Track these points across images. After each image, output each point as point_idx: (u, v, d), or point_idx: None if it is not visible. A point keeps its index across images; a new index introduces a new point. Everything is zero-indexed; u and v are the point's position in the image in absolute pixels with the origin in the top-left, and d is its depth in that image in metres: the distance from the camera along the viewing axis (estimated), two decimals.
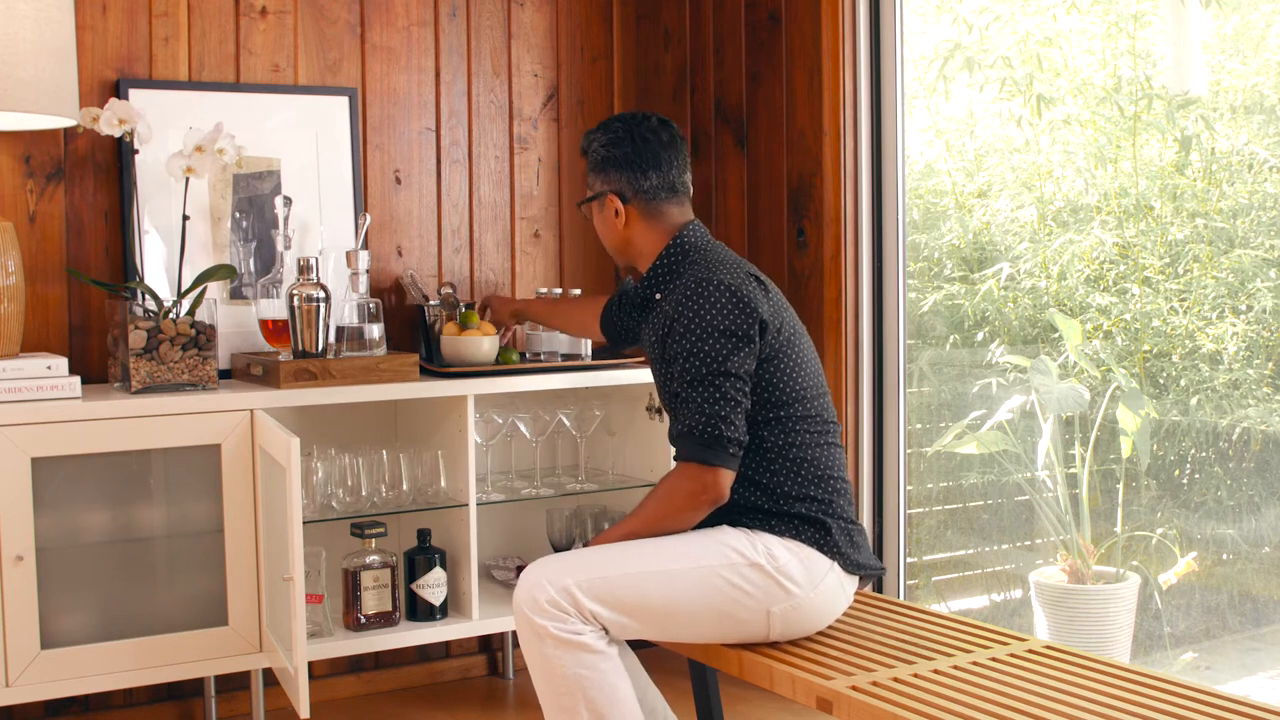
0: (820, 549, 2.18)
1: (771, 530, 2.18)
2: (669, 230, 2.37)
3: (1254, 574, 2.87)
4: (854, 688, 1.96)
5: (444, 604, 2.92)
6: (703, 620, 2.13)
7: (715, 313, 2.16)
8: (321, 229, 3.07)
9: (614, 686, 2.05)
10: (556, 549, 3.16)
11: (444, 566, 2.92)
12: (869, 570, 2.26)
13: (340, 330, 2.88)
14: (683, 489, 2.15)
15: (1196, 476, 2.94)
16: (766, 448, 2.21)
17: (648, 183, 2.35)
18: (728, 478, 2.14)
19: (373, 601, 2.84)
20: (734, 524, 2.20)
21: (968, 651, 2.13)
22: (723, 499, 2.15)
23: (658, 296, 2.33)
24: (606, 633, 2.06)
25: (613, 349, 2.80)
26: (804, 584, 2.15)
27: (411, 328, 3.20)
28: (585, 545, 2.26)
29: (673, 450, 2.26)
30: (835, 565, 2.19)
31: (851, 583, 2.25)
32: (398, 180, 3.22)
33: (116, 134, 2.67)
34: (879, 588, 3.02)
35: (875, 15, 2.99)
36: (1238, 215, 2.84)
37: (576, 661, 2.02)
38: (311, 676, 3.08)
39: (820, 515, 2.19)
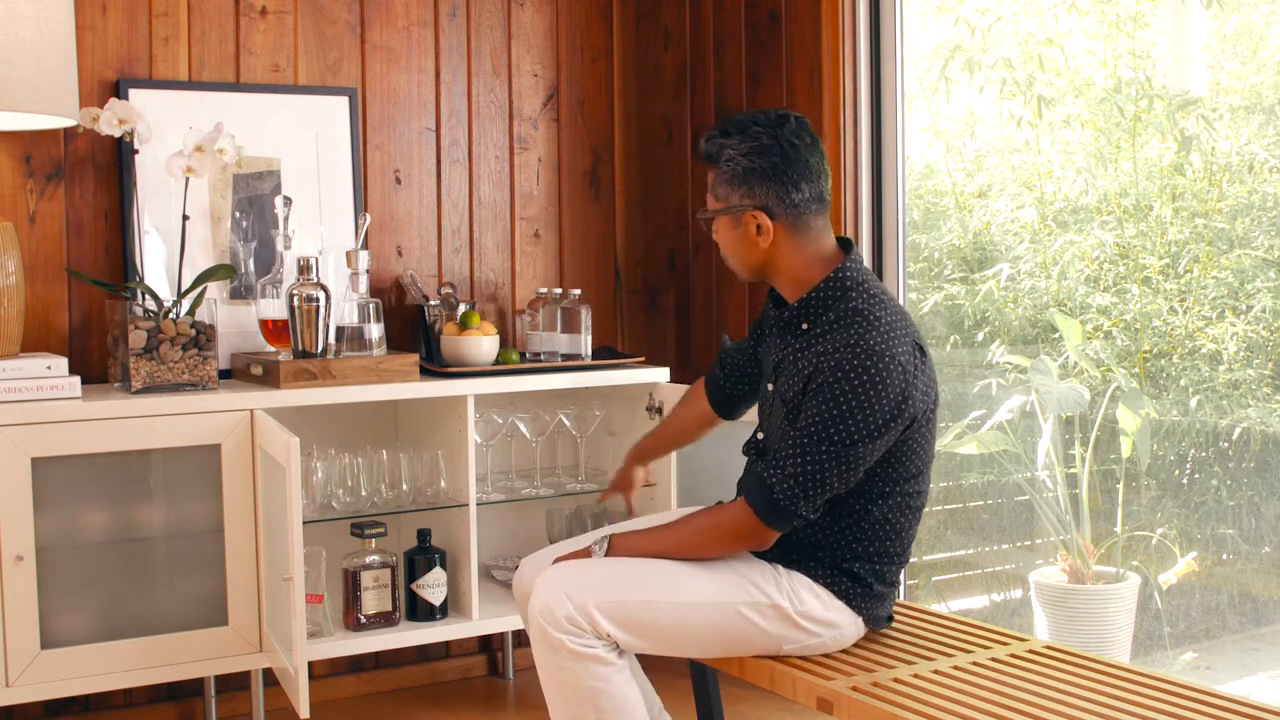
0: (850, 605, 2.14)
1: (808, 572, 2.13)
2: (815, 253, 2.11)
3: (1254, 574, 2.87)
4: (854, 688, 1.96)
5: (444, 604, 2.93)
6: (714, 648, 2.13)
7: (875, 395, 1.97)
8: (321, 229, 3.07)
9: (624, 698, 2.04)
10: None
11: (444, 566, 2.92)
12: (886, 624, 2.25)
13: (340, 330, 2.88)
14: (730, 530, 2.09)
15: (1196, 476, 2.94)
16: (872, 520, 2.11)
17: (799, 196, 2.08)
18: (776, 536, 2.08)
19: (373, 601, 2.84)
20: (769, 558, 2.15)
21: (968, 651, 2.13)
22: (764, 548, 2.11)
23: (805, 326, 2.10)
24: (617, 646, 2.07)
25: (730, 419, 2.49)
26: (824, 629, 2.12)
27: (411, 328, 3.20)
28: (609, 543, 2.21)
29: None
30: (860, 620, 2.16)
31: (866, 628, 2.22)
32: (398, 180, 3.22)
33: (116, 134, 2.67)
34: None
35: (875, 15, 2.99)
36: (1238, 215, 2.84)
37: (590, 674, 2.02)
38: (311, 676, 3.08)
39: (869, 578, 2.15)
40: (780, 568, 2.13)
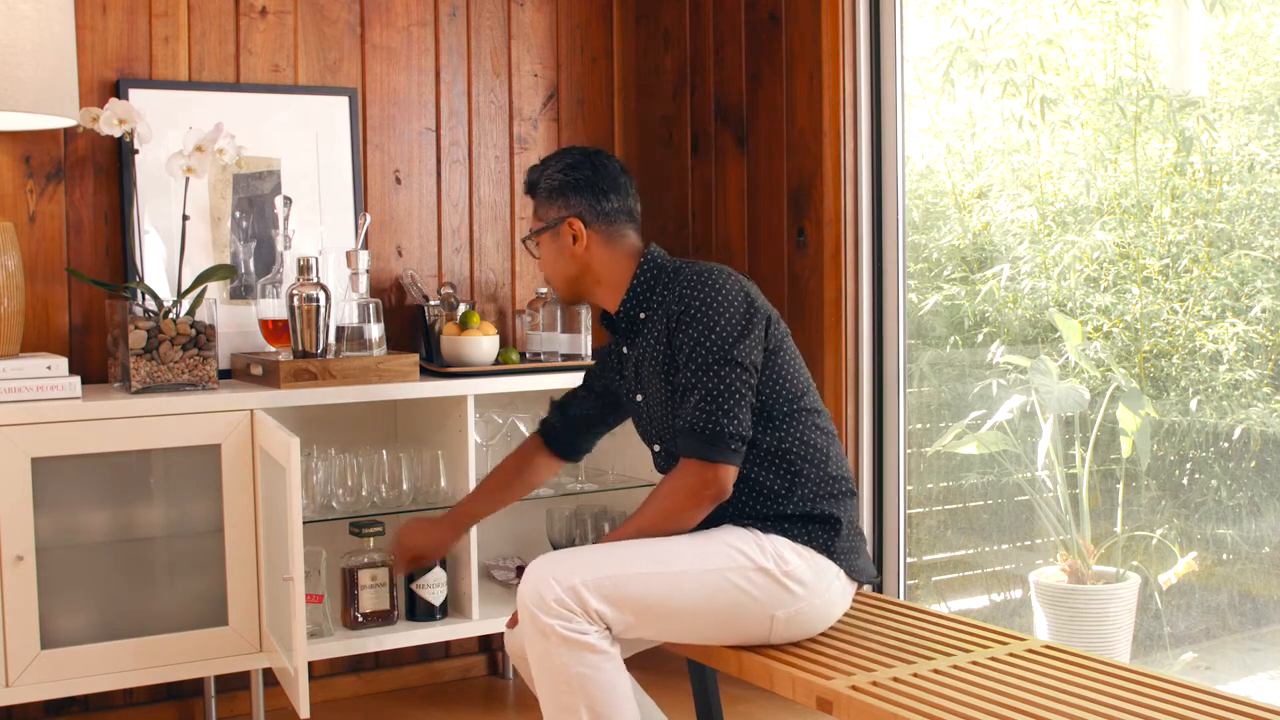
0: (829, 555, 2.19)
1: (784, 533, 2.18)
2: (629, 254, 2.32)
3: (1254, 574, 2.87)
4: (854, 688, 1.96)
5: (444, 604, 2.93)
6: (706, 622, 2.14)
7: (722, 298, 2.16)
8: (321, 229, 3.07)
9: (614, 686, 2.05)
10: (556, 549, 3.16)
11: (444, 566, 2.92)
12: (868, 578, 2.29)
13: (340, 330, 2.88)
14: (685, 486, 2.15)
15: (1196, 476, 2.94)
16: (795, 447, 2.21)
17: (609, 205, 2.31)
18: (730, 473, 2.15)
19: (370, 600, 2.84)
20: (747, 525, 2.19)
21: (968, 651, 2.13)
22: (725, 495, 2.16)
23: (642, 316, 2.29)
24: (610, 631, 2.07)
25: (575, 461, 2.61)
26: (811, 588, 2.16)
27: (411, 328, 3.20)
28: (594, 544, 2.25)
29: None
30: (841, 572, 2.21)
31: (852, 587, 2.27)
32: (398, 180, 3.22)
33: (116, 134, 2.67)
34: (879, 588, 3.02)
35: (875, 15, 2.99)
36: (1237, 215, 2.84)
37: (579, 661, 2.03)
38: (311, 676, 3.07)
39: (834, 512, 2.21)
40: (759, 533, 2.17)
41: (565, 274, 2.35)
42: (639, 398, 2.34)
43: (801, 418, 2.23)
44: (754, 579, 2.12)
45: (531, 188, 2.37)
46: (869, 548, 2.94)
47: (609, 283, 2.33)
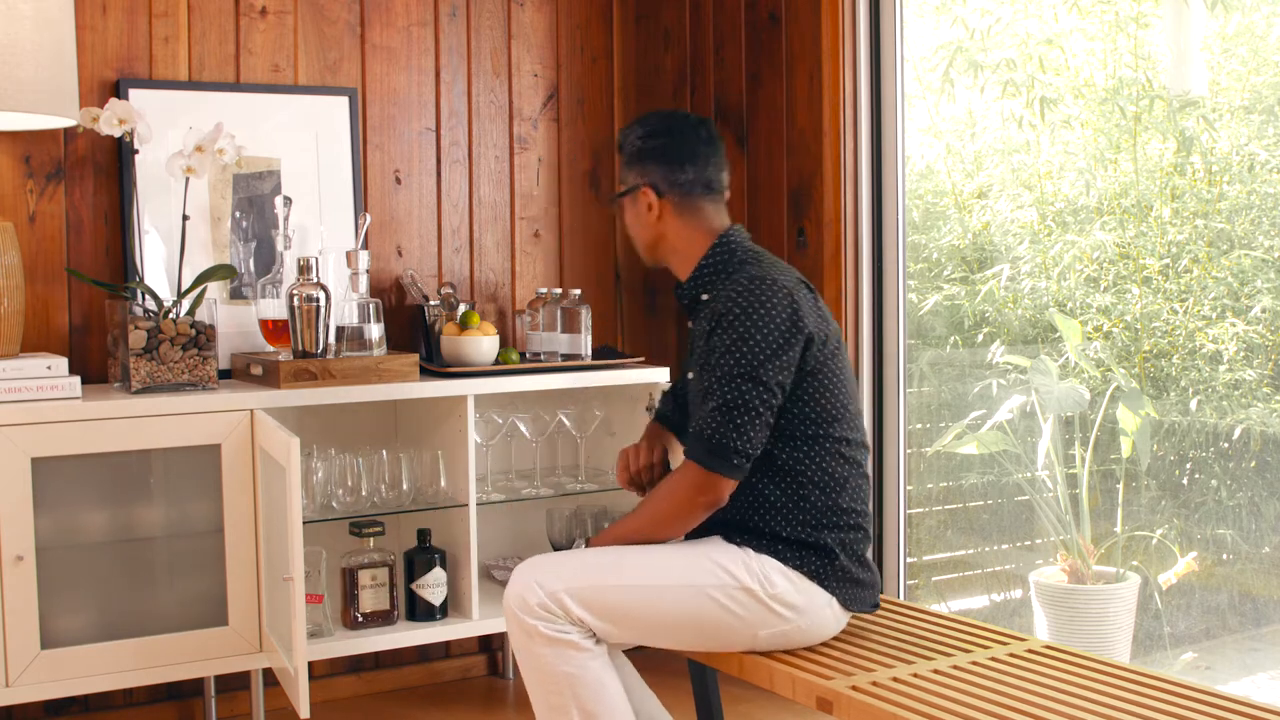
0: (821, 583, 2.16)
1: (776, 555, 2.15)
2: (706, 230, 2.28)
3: (1254, 574, 2.87)
4: (854, 688, 1.96)
5: (444, 604, 2.93)
6: (688, 634, 2.14)
7: (764, 313, 2.11)
8: (321, 229, 3.07)
9: (602, 684, 2.06)
10: (556, 549, 3.16)
11: (444, 566, 2.92)
12: (866, 610, 2.26)
13: (340, 330, 2.88)
14: (683, 487, 2.14)
15: (1196, 476, 2.94)
16: (811, 471, 2.16)
17: (684, 176, 2.27)
18: (728, 485, 2.12)
19: (370, 600, 2.85)
20: (739, 542, 2.17)
21: (968, 651, 2.13)
22: (720, 504, 2.14)
23: (704, 297, 2.25)
24: (593, 635, 2.08)
25: None
26: (799, 611, 2.14)
27: (411, 328, 3.20)
28: (586, 544, 2.25)
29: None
30: (834, 600, 2.17)
31: (847, 615, 2.23)
32: (398, 180, 3.22)
33: (116, 134, 2.67)
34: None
35: (875, 15, 2.99)
36: (1237, 215, 2.84)
37: (565, 660, 2.04)
38: (311, 676, 3.07)
39: (834, 547, 2.17)
40: (750, 551, 2.15)
41: (642, 239, 2.35)
42: (690, 374, 2.30)
43: (826, 444, 2.17)
44: (737, 597, 2.11)
45: (619, 149, 2.37)
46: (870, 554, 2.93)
47: (684, 254, 2.30)
